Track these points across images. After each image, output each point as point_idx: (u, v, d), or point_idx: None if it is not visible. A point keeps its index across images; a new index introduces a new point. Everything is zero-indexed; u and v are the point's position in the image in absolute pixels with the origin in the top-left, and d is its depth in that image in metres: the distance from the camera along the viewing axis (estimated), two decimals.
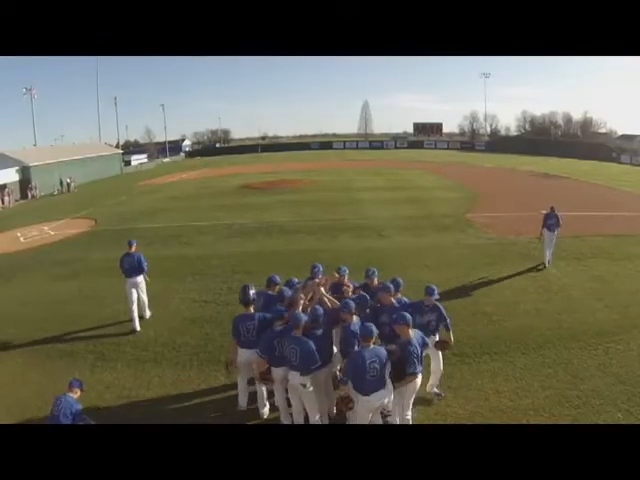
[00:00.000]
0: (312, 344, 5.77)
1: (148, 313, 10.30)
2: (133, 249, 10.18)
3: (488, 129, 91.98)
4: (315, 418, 5.91)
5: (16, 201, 34.10)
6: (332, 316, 6.39)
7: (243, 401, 6.85)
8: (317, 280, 7.01)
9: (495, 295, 10.87)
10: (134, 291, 9.93)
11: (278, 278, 7.28)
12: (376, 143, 79.71)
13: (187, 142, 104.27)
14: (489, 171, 39.00)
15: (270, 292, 7.12)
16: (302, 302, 6.46)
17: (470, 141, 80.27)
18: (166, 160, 73.51)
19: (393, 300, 6.70)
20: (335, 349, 6.66)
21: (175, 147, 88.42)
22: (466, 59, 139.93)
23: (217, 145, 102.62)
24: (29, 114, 54.54)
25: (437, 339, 6.97)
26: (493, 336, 8.80)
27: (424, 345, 6.06)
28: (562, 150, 55.69)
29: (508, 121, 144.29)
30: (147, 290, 10.28)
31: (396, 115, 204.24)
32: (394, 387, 5.77)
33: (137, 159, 66.88)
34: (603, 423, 6.08)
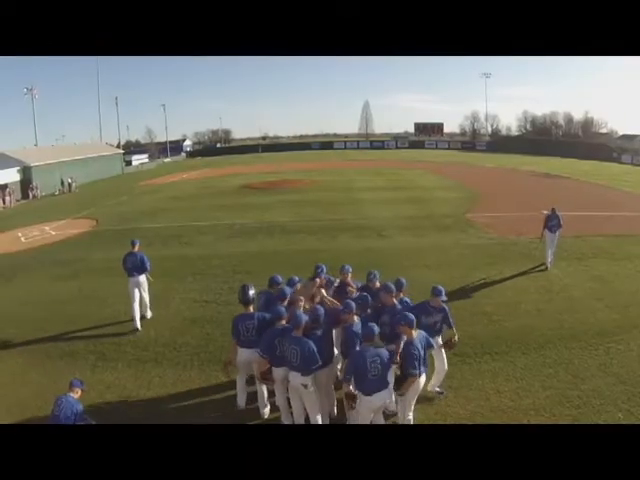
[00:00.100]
0: (313, 344, 5.77)
1: (149, 313, 10.31)
2: (136, 249, 10.21)
3: (489, 129, 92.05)
4: (316, 418, 5.90)
5: (17, 201, 34.13)
6: (332, 316, 6.40)
7: (242, 401, 6.85)
8: (317, 280, 7.01)
9: (496, 295, 10.86)
10: (136, 290, 9.95)
11: (280, 278, 7.28)
12: (377, 143, 79.78)
13: (188, 142, 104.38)
14: (490, 171, 38.98)
15: (271, 292, 7.13)
16: (301, 302, 6.45)
17: (471, 141, 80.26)
18: (167, 160, 73.58)
19: (394, 300, 6.70)
20: (336, 351, 6.66)
21: (176, 147, 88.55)
22: (466, 59, 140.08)
23: (218, 145, 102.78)
24: (30, 114, 54.73)
25: (440, 340, 6.97)
26: (494, 336, 8.79)
27: (428, 346, 6.05)
28: (563, 150, 55.66)
29: (509, 121, 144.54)
30: (149, 289, 10.29)
31: (397, 115, 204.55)
32: (398, 394, 5.78)
33: (138, 159, 66.93)
34: (604, 423, 6.07)
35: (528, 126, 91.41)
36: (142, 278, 10.03)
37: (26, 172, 36.72)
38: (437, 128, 79.69)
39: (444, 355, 6.99)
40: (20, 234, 20.85)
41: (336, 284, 7.41)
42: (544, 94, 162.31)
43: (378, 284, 7.22)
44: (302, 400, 5.99)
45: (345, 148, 76.54)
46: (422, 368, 5.76)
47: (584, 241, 15.13)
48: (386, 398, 5.56)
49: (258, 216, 20.99)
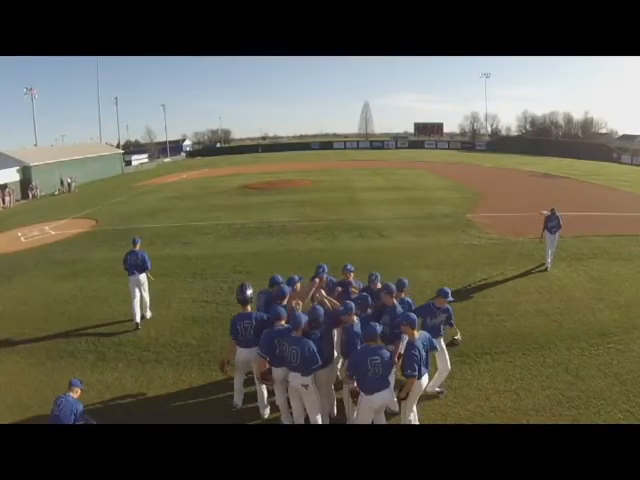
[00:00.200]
0: (313, 345, 5.76)
1: (149, 313, 10.31)
2: (137, 247, 10.23)
3: (489, 129, 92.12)
4: (316, 418, 5.90)
5: (17, 201, 34.11)
6: (332, 316, 6.40)
7: (239, 400, 6.86)
8: (316, 280, 7.02)
9: (496, 295, 10.86)
10: (137, 289, 9.97)
11: (280, 278, 7.28)
12: (377, 143, 79.85)
13: (188, 142, 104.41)
14: (490, 171, 38.97)
15: (272, 291, 7.13)
16: (294, 303, 6.47)
17: (471, 141, 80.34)
18: (167, 160, 73.56)
19: (395, 301, 6.70)
20: (335, 352, 6.65)
21: (176, 147, 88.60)
22: (466, 59, 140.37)
23: (218, 145, 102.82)
24: (30, 114, 54.86)
25: (443, 341, 6.97)
26: (494, 336, 8.80)
27: (431, 348, 6.04)
28: (563, 150, 55.73)
29: (509, 121, 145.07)
30: (150, 289, 10.30)
31: (396, 115, 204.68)
32: (399, 398, 5.77)
33: (138, 159, 66.86)
34: (603, 423, 6.07)
35: (528, 126, 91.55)
36: (142, 277, 10.03)
37: (26, 172, 36.70)
38: (437, 128, 79.78)
39: (447, 356, 6.99)
40: (20, 234, 20.85)
41: (338, 289, 7.40)
42: (544, 94, 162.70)
43: (379, 285, 7.23)
44: (302, 400, 5.99)
45: (345, 148, 76.58)
46: (423, 370, 5.74)
47: (584, 241, 15.13)
48: (387, 398, 5.56)
49: (258, 216, 20.98)
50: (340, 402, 6.64)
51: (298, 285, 7.25)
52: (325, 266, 7.53)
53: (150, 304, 10.34)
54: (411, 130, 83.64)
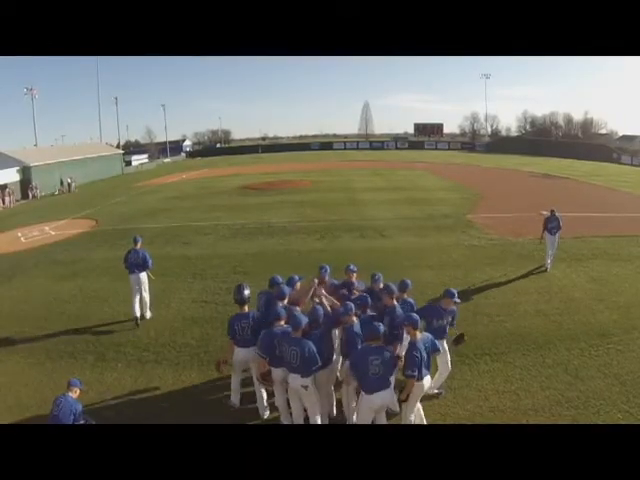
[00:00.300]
0: (312, 345, 5.75)
1: (149, 313, 10.30)
2: (138, 246, 10.26)
3: (489, 129, 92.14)
4: (315, 418, 5.90)
5: (17, 201, 34.10)
6: (332, 317, 6.40)
7: (236, 399, 6.87)
8: (315, 280, 7.01)
9: (496, 296, 10.86)
10: (137, 288, 10.02)
11: (280, 278, 7.28)
12: (377, 144, 79.85)
13: (188, 142, 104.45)
14: (490, 172, 38.98)
15: (272, 292, 7.14)
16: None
17: (471, 142, 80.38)
18: (167, 160, 73.56)
19: (395, 302, 6.69)
20: (335, 353, 6.65)
21: (176, 147, 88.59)
22: (466, 59, 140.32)
23: (218, 145, 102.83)
24: (30, 114, 54.83)
25: (446, 343, 6.96)
26: (493, 337, 8.80)
27: (434, 350, 6.02)
28: (563, 151, 55.74)
29: (509, 121, 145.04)
30: (150, 289, 10.31)
31: (396, 115, 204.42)
32: (400, 400, 5.76)
33: (138, 159, 66.87)
34: (603, 423, 6.07)
35: (528, 127, 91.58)
36: (143, 276, 10.05)
37: (26, 172, 36.69)
38: (437, 129, 79.79)
39: (449, 357, 6.99)
40: (20, 234, 20.84)
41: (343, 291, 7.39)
42: (544, 94, 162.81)
43: (381, 285, 7.23)
44: (302, 401, 5.98)
45: (345, 149, 76.60)
46: (424, 371, 5.71)
47: (584, 242, 15.14)
48: (387, 398, 5.55)
49: (258, 216, 20.98)
50: (340, 402, 6.64)
51: (298, 285, 7.25)
52: (327, 267, 7.53)
53: (150, 304, 10.34)
54: (411, 130, 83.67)
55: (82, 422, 5.30)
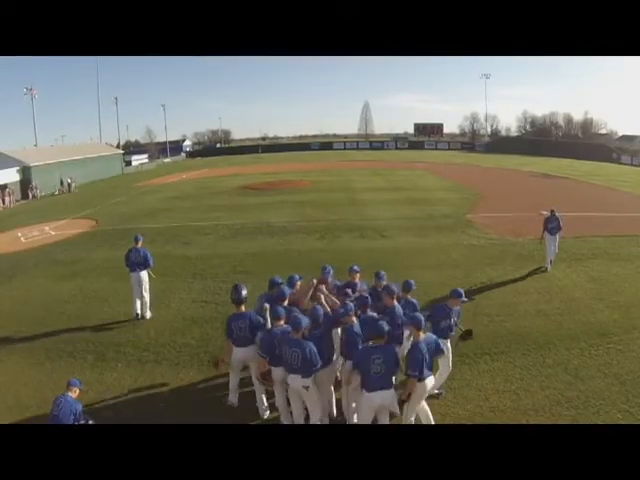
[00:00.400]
0: (313, 346, 5.75)
1: (149, 313, 10.30)
2: (140, 244, 10.28)
3: (489, 129, 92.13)
4: (316, 418, 5.90)
5: (17, 201, 34.10)
6: (332, 317, 6.39)
7: (234, 398, 6.88)
8: (314, 280, 7.01)
9: (496, 296, 10.86)
10: (138, 286, 10.06)
11: (279, 279, 7.29)
12: (376, 144, 79.86)
13: (188, 142, 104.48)
14: (489, 172, 38.99)
15: (271, 293, 7.14)
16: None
17: (471, 142, 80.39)
18: (167, 160, 73.55)
19: (395, 302, 6.69)
20: (335, 353, 6.65)
21: (176, 147, 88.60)
22: (466, 59, 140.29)
23: (218, 145, 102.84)
24: (30, 114, 54.80)
25: (449, 343, 6.95)
26: (493, 336, 8.80)
27: (438, 352, 6.00)
28: (562, 151, 55.75)
29: (509, 121, 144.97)
30: (150, 289, 10.32)
31: (396, 115, 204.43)
32: (401, 399, 5.75)
33: (138, 159, 66.85)
34: (603, 423, 6.07)
35: (528, 127, 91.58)
36: (144, 274, 10.07)
37: (26, 172, 36.68)
38: (437, 129, 79.81)
39: (450, 357, 6.98)
40: (20, 234, 20.84)
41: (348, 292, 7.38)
42: (544, 94, 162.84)
43: (384, 283, 7.23)
44: (303, 400, 5.98)
45: (345, 149, 76.60)
46: (426, 372, 5.67)
47: (583, 242, 15.14)
48: (386, 398, 5.54)
49: (258, 216, 20.98)
50: (340, 402, 6.63)
51: (298, 284, 7.25)
52: (330, 267, 7.54)
53: (150, 304, 10.34)
54: (411, 130, 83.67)
55: (83, 422, 5.30)
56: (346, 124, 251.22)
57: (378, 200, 24.24)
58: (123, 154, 60.88)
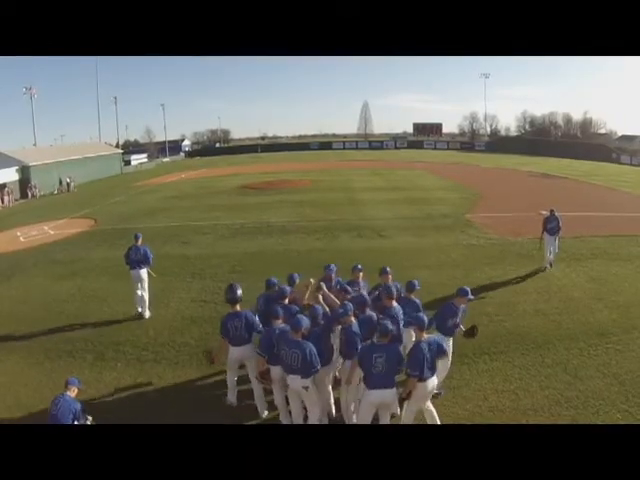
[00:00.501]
0: (313, 347, 5.75)
1: (148, 313, 10.30)
2: (139, 242, 10.31)
3: (488, 129, 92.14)
4: (316, 418, 5.90)
5: (16, 200, 34.08)
6: (331, 317, 6.39)
7: (232, 397, 6.90)
8: (311, 280, 7.01)
9: (495, 295, 10.87)
10: (138, 284, 10.08)
11: (275, 280, 7.29)
12: (376, 143, 79.87)
13: (187, 142, 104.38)
14: (489, 171, 39.00)
15: (269, 293, 7.15)
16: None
17: (470, 141, 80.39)
18: (166, 160, 73.54)
19: (394, 303, 6.68)
20: (335, 353, 6.64)
21: (175, 147, 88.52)
22: (466, 59, 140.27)
23: (217, 145, 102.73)
24: (29, 114, 54.60)
25: (451, 342, 6.95)
26: (492, 336, 8.80)
27: (440, 353, 5.97)
28: (562, 151, 55.77)
29: (508, 121, 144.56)
30: (149, 288, 10.32)
31: (396, 115, 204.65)
32: (402, 398, 5.75)
33: (137, 159, 66.79)
34: (602, 423, 6.08)
35: (527, 126, 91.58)
36: (144, 272, 10.09)
37: (25, 171, 36.66)
38: (436, 128, 79.81)
39: (449, 358, 6.98)
40: (19, 233, 20.82)
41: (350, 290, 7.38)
42: (544, 94, 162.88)
43: (390, 279, 7.24)
44: (302, 400, 5.99)
45: (344, 148, 76.60)
46: (427, 372, 5.65)
47: (583, 242, 15.14)
48: (387, 397, 5.54)
49: (257, 216, 20.98)
50: (339, 402, 6.63)
51: (297, 282, 7.26)
52: (333, 266, 7.55)
53: (149, 303, 10.34)
54: (410, 130, 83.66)
55: (82, 421, 5.29)
56: (345, 124, 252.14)
57: (377, 200, 24.25)
58: (122, 154, 60.87)
